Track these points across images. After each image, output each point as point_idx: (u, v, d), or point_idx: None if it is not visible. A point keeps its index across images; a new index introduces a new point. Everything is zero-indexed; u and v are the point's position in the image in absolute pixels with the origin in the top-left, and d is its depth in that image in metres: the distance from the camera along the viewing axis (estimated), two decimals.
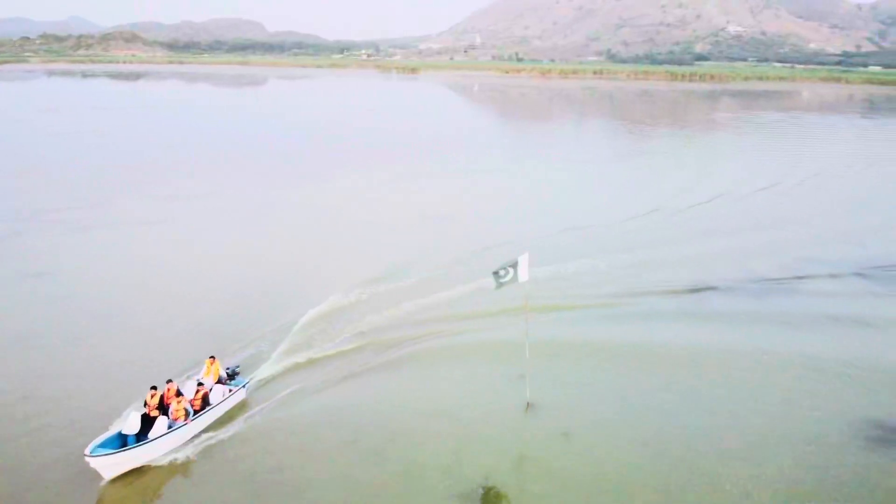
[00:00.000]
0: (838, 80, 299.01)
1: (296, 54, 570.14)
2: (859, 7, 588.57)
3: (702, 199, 56.64)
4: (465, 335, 28.78)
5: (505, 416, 22.27)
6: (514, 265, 22.07)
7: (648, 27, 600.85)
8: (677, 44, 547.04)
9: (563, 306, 31.52)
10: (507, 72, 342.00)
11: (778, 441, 21.05)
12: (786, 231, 47.09)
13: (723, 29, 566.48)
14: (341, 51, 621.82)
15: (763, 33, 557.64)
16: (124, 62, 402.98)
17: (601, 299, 32.80)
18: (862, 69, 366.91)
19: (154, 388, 20.93)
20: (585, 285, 34.54)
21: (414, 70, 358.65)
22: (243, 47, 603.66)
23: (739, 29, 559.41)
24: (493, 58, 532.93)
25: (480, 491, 18.52)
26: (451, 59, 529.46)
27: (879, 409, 23.12)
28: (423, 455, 20.13)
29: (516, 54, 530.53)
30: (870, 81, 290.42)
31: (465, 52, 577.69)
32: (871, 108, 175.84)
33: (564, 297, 32.55)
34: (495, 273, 22.28)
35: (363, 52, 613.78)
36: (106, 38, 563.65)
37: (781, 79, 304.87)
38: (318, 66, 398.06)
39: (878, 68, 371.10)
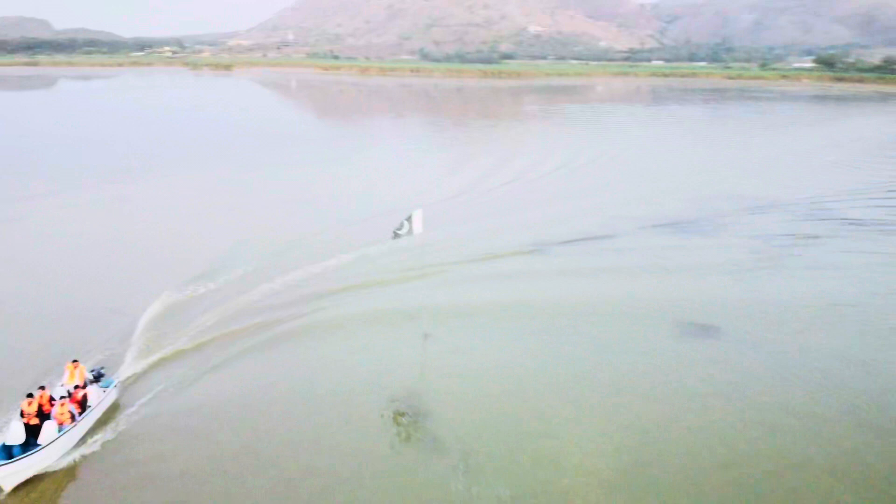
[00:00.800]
0: (627, 74, 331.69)
1: (90, 52, 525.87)
2: (642, 7, 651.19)
3: (519, 175, 63.79)
4: (350, 303, 32.25)
5: (409, 343, 27.03)
6: (409, 219, 26.05)
7: (457, 27, 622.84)
8: (484, 43, 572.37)
9: (435, 271, 35.89)
10: (326, 69, 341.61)
11: (616, 348, 27.62)
12: (599, 197, 55.08)
13: (524, 29, 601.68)
14: (141, 48, 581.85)
15: (560, 33, 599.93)
16: None
17: (466, 260, 37.88)
18: (647, 64, 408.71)
19: (30, 395, 20.41)
20: (451, 249, 39.42)
21: (227, 67, 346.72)
22: (29, 47, 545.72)
23: (539, 29, 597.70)
24: (309, 55, 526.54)
25: (400, 392, 23.35)
26: (265, 55, 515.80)
27: (689, 324, 30.14)
28: (346, 382, 24.16)
29: (332, 52, 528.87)
30: (654, 74, 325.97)
31: (279, 48, 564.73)
32: (656, 97, 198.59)
33: (436, 261, 36.92)
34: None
35: (167, 48, 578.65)
36: None
37: (579, 74, 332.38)
38: (120, 65, 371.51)
39: (660, 62, 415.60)
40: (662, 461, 19.78)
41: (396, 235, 26.70)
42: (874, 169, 71.57)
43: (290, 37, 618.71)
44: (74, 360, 22.76)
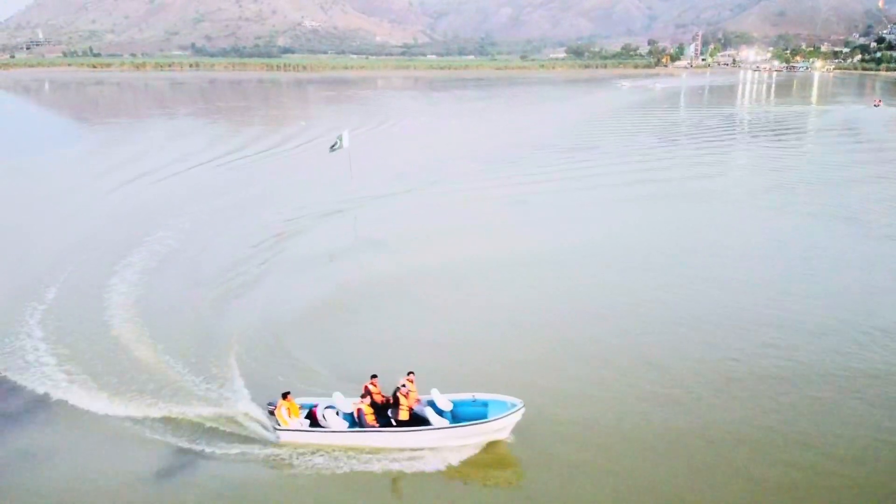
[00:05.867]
0: (408, 67, 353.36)
1: None
2: (410, 3, 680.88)
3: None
4: None
5: None
6: (341, 138, 36.87)
7: (228, 21, 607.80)
8: (260, 37, 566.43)
9: None
10: (95, 67, 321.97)
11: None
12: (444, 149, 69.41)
13: (299, 24, 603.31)
14: None
15: (335, 27, 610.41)
16: None
17: None
18: (422, 58, 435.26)
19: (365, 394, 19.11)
20: None
21: None
22: None
23: (314, 24, 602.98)
24: (64, 54, 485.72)
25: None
26: (13, 56, 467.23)
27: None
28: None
29: (90, 49, 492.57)
30: (431, 67, 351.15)
31: (28, 48, 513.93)
32: (433, 87, 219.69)
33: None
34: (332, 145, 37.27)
35: None
36: None
37: (363, 67, 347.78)
38: None
39: (434, 57, 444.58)
40: None
41: (332, 149, 37.51)
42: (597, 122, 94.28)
43: (40, 35, 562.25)
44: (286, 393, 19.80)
